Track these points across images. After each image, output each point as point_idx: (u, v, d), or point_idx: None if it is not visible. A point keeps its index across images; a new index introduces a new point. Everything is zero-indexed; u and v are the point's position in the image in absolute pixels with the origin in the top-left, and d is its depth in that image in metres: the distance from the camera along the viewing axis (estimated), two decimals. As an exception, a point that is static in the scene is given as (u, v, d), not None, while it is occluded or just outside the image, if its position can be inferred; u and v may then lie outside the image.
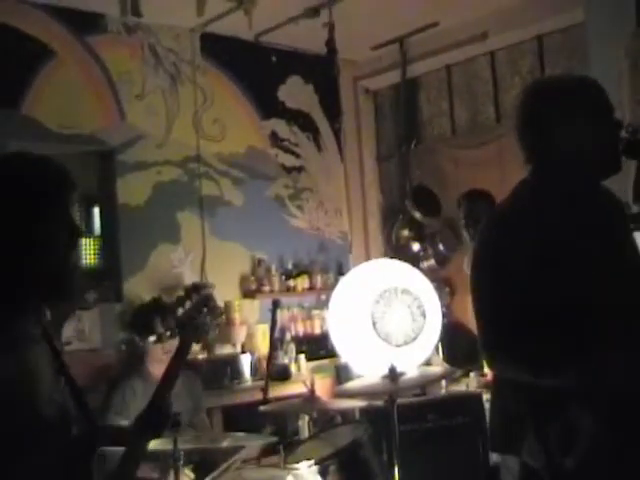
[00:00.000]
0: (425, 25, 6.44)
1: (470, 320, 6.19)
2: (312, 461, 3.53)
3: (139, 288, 5.64)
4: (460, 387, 5.80)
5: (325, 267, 6.83)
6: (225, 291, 5.83)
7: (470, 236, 4.94)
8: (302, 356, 6.34)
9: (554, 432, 2.20)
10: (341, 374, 6.08)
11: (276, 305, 4.84)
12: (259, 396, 4.71)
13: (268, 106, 6.70)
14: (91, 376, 5.01)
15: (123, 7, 5.61)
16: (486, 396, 4.77)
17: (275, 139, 6.75)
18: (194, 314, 2.39)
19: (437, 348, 5.54)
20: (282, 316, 6.26)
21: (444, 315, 4.95)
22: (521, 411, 2.33)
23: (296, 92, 6.92)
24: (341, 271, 6.66)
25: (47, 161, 1.93)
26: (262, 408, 4.18)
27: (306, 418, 5.07)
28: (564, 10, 5.76)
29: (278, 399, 4.82)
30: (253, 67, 6.58)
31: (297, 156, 6.89)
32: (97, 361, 4.98)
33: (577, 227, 2.27)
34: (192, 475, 4.04)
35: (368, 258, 6.87)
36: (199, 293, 2.41)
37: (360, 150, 7.40)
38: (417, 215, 6.66)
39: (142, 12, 5.52)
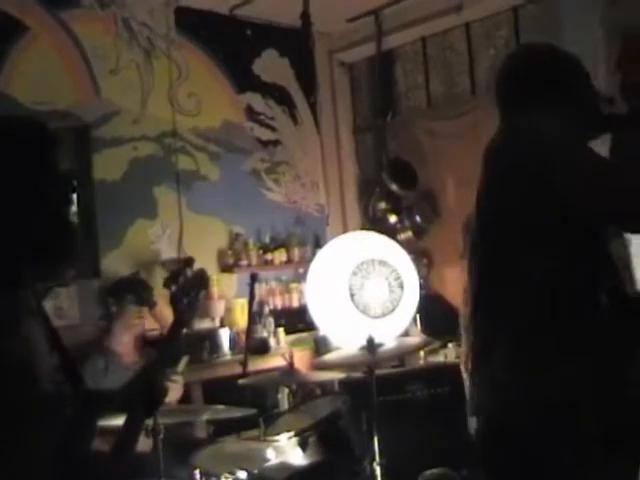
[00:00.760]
0: (400, -4, 6.41)
1: (448, 291, 6.27)
2: (292, 433, 3.57)
3: (117, 264, 5.62)
4: (438, 358, 5.86)
5: (302, 240, 6.83)
6: (203, 266, 5.77)
7: None
8: (281, 329, 6.37)
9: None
10: (320, 347, 6.11)
11: (254, 279, 4.85)
12: (238, 370, 4.74)
13: (243, 80, 6.65)
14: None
15: (96, -19, 5.57)
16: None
17: (251, 113, 6.71)
18: (188, 289, 2.42)
19: (415, 319, 5.57)
20: (260, 290, 6.26)
21: (422, 286, 4.99)
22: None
23: (271, 65, 6.88)
24: (318, 244, 6.67)
25: (27, 118, 1.94)
26: (241, 381, 4.22)
27: (285, 391, 5.12)
28: (539, -19, 5.77)
29: (257, 372, 4.85)
30: (228, 41, 6.53)
31: (273, 130, 6.87)
32: (76, 338, 4.96)
33: None
34: None
35: (345, 231, 6.89)
36: (192, 267, 2.45)
37: (336, 123, 7.38)
38: (394, 187, 6.67)
39: (115, -14, 5.49)
